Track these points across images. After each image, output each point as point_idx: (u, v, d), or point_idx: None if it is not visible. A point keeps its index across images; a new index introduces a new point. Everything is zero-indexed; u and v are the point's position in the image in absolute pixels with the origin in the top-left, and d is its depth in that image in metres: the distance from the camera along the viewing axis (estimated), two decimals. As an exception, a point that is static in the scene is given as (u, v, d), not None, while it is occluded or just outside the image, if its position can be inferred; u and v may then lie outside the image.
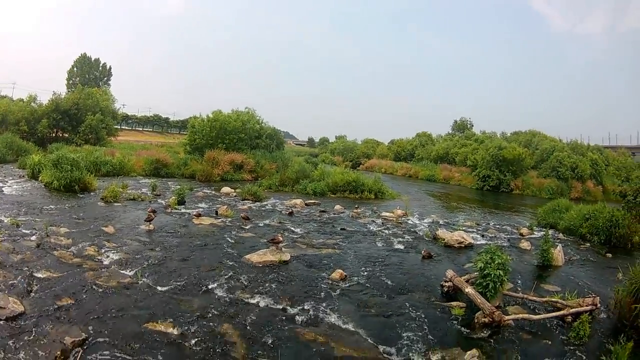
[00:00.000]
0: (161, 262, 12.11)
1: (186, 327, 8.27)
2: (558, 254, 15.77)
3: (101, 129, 52.59)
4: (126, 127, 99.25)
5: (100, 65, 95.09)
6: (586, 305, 10.48)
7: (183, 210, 19.95)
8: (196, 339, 7.89)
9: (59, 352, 6.96)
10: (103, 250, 12.75)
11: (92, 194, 22.63)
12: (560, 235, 21.26)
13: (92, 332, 7.77)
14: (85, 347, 7.28)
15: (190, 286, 10.45)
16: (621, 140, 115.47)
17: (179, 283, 10.58)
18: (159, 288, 10.18)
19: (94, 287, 9.90)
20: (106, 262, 11.80)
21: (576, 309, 10.32)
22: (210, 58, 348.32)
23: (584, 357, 8.50)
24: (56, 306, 8.73)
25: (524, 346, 8.89)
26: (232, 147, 40.22)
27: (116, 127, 64.38)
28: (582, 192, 48.75)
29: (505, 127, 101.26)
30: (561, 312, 10.37)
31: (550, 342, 9.17)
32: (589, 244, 19.51)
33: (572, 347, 8.91)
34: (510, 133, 75.68)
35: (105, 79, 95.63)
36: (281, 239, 14.17)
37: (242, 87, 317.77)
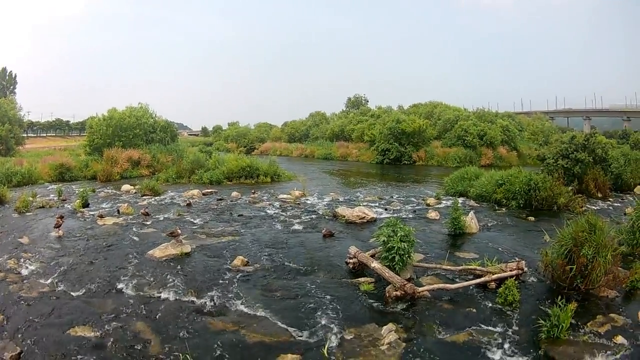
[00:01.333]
0: (73, 267, 12.45)
1: (104, 329, 8.64)
2: (470, 220, 16.32)
3: (10, 139, 53.42)
4: (32, 135, 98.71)
5: (7, 74, 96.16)
6: (510, 270, 10.87)
7: (88, 213, 20.26)
8: (114, 340, 8.23)
9: (0, 370, 7.27)
10: (22, 262, 13.01)
11: (6, 205, 22.53)
12: (472, 203, 22.31)
13: (24, 345, 8.05)
14: (22, 361, 7.63)
15: (101, 288, 10.88)
16: (537, 106, 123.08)
17: (91, 286, 10.97)
18: (74, 293, 10.57)
19: (19, 300, 10.22)
20: (26, 273, 12.08)
21: (499, 275, 10.68)
22: (105, 57, 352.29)
23: (516, 322, 8.85)
24: (-12, 323, 9.01)
25: (445, 316, 9.22)
26: (128, 143, 41.43)
27: (23, 135, 65.96)
28: (494, 159, 51.26)
29: (403, 102, 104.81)
30: (482, 279, 10.66)
31: (474, 310, 9.49)
32: (505, 209, 20.71)
33: (501, 313, 9.28)
34: (409, 106, 78.74)
35: (12, 87, 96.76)
36: (179, 231, 14.57)
37: (138, 83, 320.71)
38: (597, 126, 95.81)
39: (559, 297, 8.56)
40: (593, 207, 20.84)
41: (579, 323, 8.62)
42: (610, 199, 24.06)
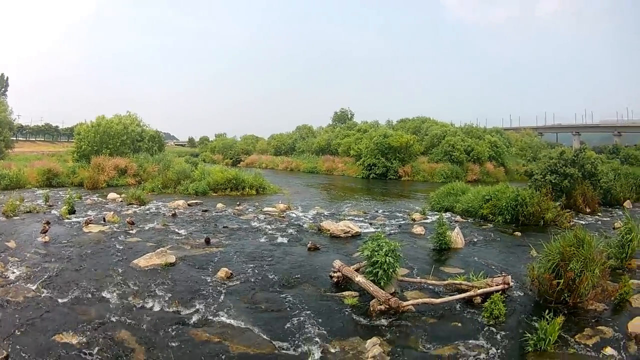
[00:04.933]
0: (59, 273, 12.62)
1: (88, 337, 8.70)
2: (456, 236, 16.41)
3: (0, 141, 54.24)
4: (21, 138, 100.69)
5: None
6: (496, 285, 10.97)
7: (74, 219, 20.48)
8: (99, 348, 8.31)
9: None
10: (8, 266, 13.21)
11: (-6, 209, 22.85)
12: (458, 218, 22.48)
13: (11, 349, 8.19)
14: (9, 365, 7.80)
15: (86, 295, 11.00)
16: (526, 121, 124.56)
17: (76, 293, 11.09)
18: (60, 300, 10.67)
19: (5, 303, 10.38)
20: (12, 278, 12.24)
21: (484, 289, 10.77)
22: (96, 64, 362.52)
23: (502, 336, 8.95)
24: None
25: (429, 330, 9.25)
26: (116, 151, 42.39)
27: (12, 138, 66.38)
28: (481, 174, 52.12)
29: (391, 117, 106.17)
30: (467, 294, 10.73)
31: (459, 324, 9.56)
32: (491, 225, 20.87)
33: (487, 327, 9.33)
34: (397, 121, 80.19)
35: (3, 89, 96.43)
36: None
37: (127, 92, 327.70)
38: (587, 141, 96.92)
39: (546, 311, 8.64)
40: (581, 222, 21.14)
41: (567, 336, 8.71)
42: (599, 214, 24.46)
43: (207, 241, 16.25)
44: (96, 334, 8.79)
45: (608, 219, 23.07)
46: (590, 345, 8.39)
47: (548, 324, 8.18)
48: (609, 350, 8.08)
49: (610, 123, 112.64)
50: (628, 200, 28.41)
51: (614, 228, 19.23)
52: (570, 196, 24.85)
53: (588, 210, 24.62)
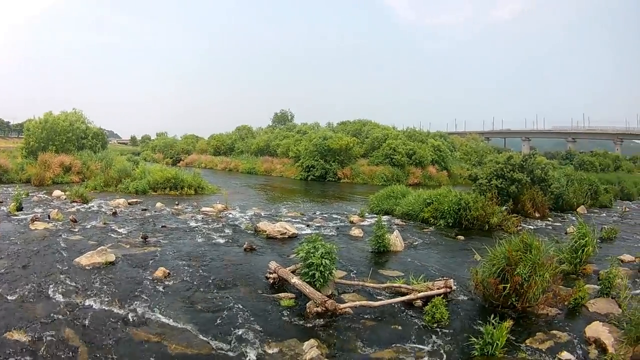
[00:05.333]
0: (7, 271, 12.94)
1: (36, 334, 8.94)
2: (395, 238, 16.53)
3: None
4: None
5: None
6: (438, 289, 11.03)
7: (22, 216, 21.31)
8: (45, 345, 8.52)
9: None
10: None
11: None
12: (398, 221, 22.63)
13: None
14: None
15: (33, 293, 11.26)
16: (472, 126, 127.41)
17: (23, 290, 11.36)
18: (9, 297, 10.95)
19: None
20: None
21: (425, 293, 10.83)
22: (44, 61, 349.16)
23: (445, 340, 9.02)
24: None
25: (369, 333, 9.37)
26: (61, 148, 43.80)
27: None
28: (423, 178, 53.09)
29: (332, 119, 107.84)
30: (408, 297, 10.83)
31: (400, 327, 9.63)
32: (433, 228, 21.07)
33: (429, 331, 9.40)
34: (338, 123, 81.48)
35: None
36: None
37: (72, 89, 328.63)
38: (538, 147, 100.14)
39: (492, 316, 8.64)
40: (530, 227, 21.63)
41: (517, 340, 8.84)
42: (550, 219, 25.04)
43: (145, 238, 16.83)
44: (43, 332, 9.00)
45: (559, 224, 23.66)
46: (544, 350, 8.49)
47: (494, 328, 8.19)
48: (565, 355, 8.17)
49: (563, 129, 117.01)
50: (582, 206, 29.27)
51: (566, 233, 19.77)
52: (518, 201, 25.31)
53: (537, 215, 25.15)
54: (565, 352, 8.28)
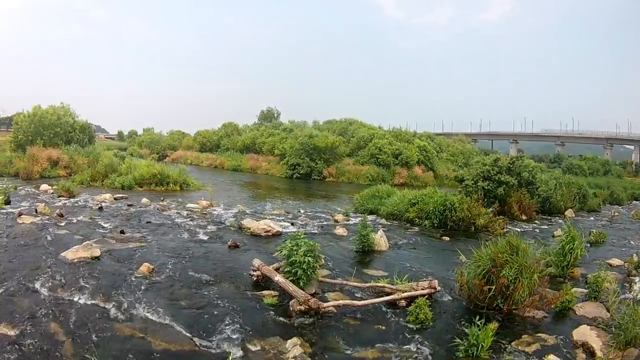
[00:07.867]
0: None
1: (22, 328, 8.99)
2: (380, 238, 16.53)
3: None
4: None
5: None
6: (422, 289, 11.03)
7: (9, 210, 21.34)
8: (31, 339, 8.56)
9: None
10: None
11: None
12: (383, 221, 22.72)
13: None
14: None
15: (20, 286, 11.28)
16: (459, 128, 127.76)
17: (11, 284, 11.39)
18: None
19: None
20: None
21: (409, 293, 10.82)
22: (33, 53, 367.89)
23: (429, 341, 9.02)
24: None
25: (352, 332, 9.44)
26: (49, 142, 44.20)
27: None
28: (409, 178, 53.06)
29: (319, 117, 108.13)
30: (391, 297, 10.83)
31: (384, 327, 9.69)
32: (417, 228, 21.11)
33: (412, 332, 9.43)
34: (324, 122, 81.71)
35: None
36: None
37: (62, 81, 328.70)
38: (526, 150, 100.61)
39: (477, 317, 8.69)
40: (516, 230, 21.59)
41: (503, 342, 8.81)
42: (537, 222, 25.14)
43: (122, 232, 17.05)
44: (29, 326, 9.06)
45: (546, 227, 23.78)
46: (530, 353, 8.48)
47: (479, 329, 8.21)
48: (552, 358, 8.14)
49: (552, 132, 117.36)
50: (570, 209, 29.39)
51: (553, 236, 19.89)
52: (505, 203, 25.38)
53: (524, 218, 25.30)
54: (552, 355, 8.25)
